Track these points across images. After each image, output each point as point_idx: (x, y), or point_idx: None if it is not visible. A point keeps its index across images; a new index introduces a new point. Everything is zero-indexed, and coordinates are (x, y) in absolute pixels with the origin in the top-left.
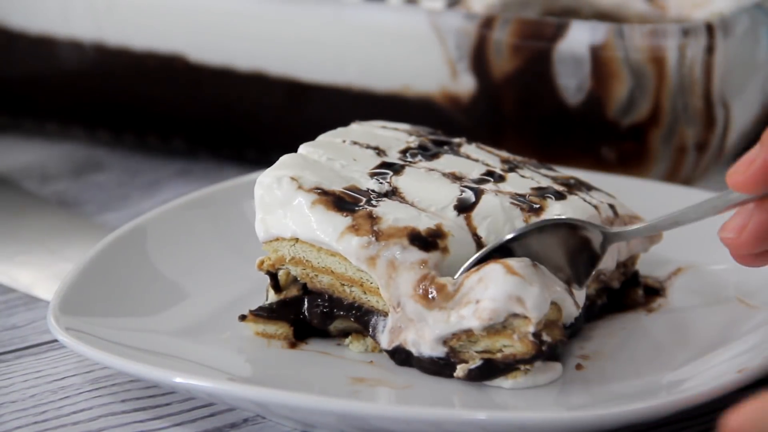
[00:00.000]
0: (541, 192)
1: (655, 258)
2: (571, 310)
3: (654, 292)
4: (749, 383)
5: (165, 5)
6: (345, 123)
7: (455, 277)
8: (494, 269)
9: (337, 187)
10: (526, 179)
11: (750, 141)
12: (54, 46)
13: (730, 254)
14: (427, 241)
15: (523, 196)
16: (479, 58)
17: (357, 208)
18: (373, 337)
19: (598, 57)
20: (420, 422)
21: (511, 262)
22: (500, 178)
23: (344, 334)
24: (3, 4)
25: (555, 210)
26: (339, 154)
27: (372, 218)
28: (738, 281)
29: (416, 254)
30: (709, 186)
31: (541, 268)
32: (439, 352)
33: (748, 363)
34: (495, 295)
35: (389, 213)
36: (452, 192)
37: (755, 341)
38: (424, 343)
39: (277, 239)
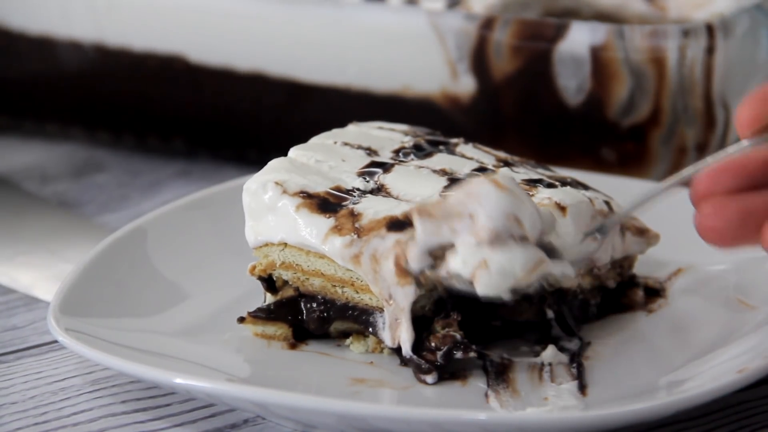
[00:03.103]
0: (532, 182)
1: (655, 259)
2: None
3: (654, 292)
4: (749, 383)
5: (165, 5)
6: (345, 124)
7: None
8: (482, 183)
9: (323, 189)
10: (519, 174)
11: None
12: (54, 46)
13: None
14: (404, 222)
15: None
16: (479, 59)
17: (340, 208)
18: (376, 335)
19: (598, 58)
20: (420, 422)
21: (497, 177)
22: (492, 173)
23: (344, 335)
24: (3, 4)
25: (544, 194)
26: (329, 155)
27: (353, 216)
28: (738, 281)
29: (392, 238)
30: None
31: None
32: (425, 263)
33: (748, 363)
34: (492, 213)
35: (370, 208)
36: (439, 184)
37: (755, 341)
38: (411, 258)
39: (266, 245)
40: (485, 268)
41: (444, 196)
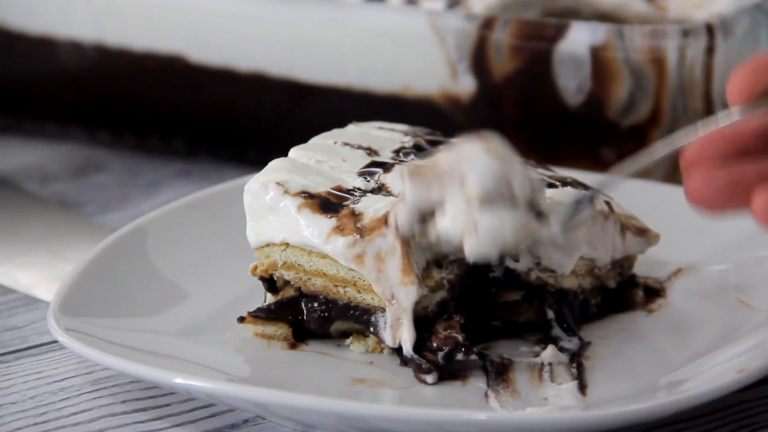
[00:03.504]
0: None
1: (656, 259)
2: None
3: (654, 292)
4: (749, 383)
5: (165, 6)
6: (345, 124)
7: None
8: (474, 149)
9: (324, 189)
10: None
11: None
12: (54, 46)
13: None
14: None
15: None
16: (479, 59)
17: (341, 208)
18: (376, 335)
19: (598, 58)
20: (420, 423)
21: (488, 142)
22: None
23: (345, 334)
24: (3, 4)
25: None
26: (329, 155)
27: (355, 216)
28: (738, 281)
29: (393, 234)
30: None
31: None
32: (415, 223)
33: (748, 363)
34: (482, 176)
35: (370, 206)
36: None
37: (755, 341)
38: (401, 220)
39: (268, 245)
40: (474, 230)
41: (436, 158)
